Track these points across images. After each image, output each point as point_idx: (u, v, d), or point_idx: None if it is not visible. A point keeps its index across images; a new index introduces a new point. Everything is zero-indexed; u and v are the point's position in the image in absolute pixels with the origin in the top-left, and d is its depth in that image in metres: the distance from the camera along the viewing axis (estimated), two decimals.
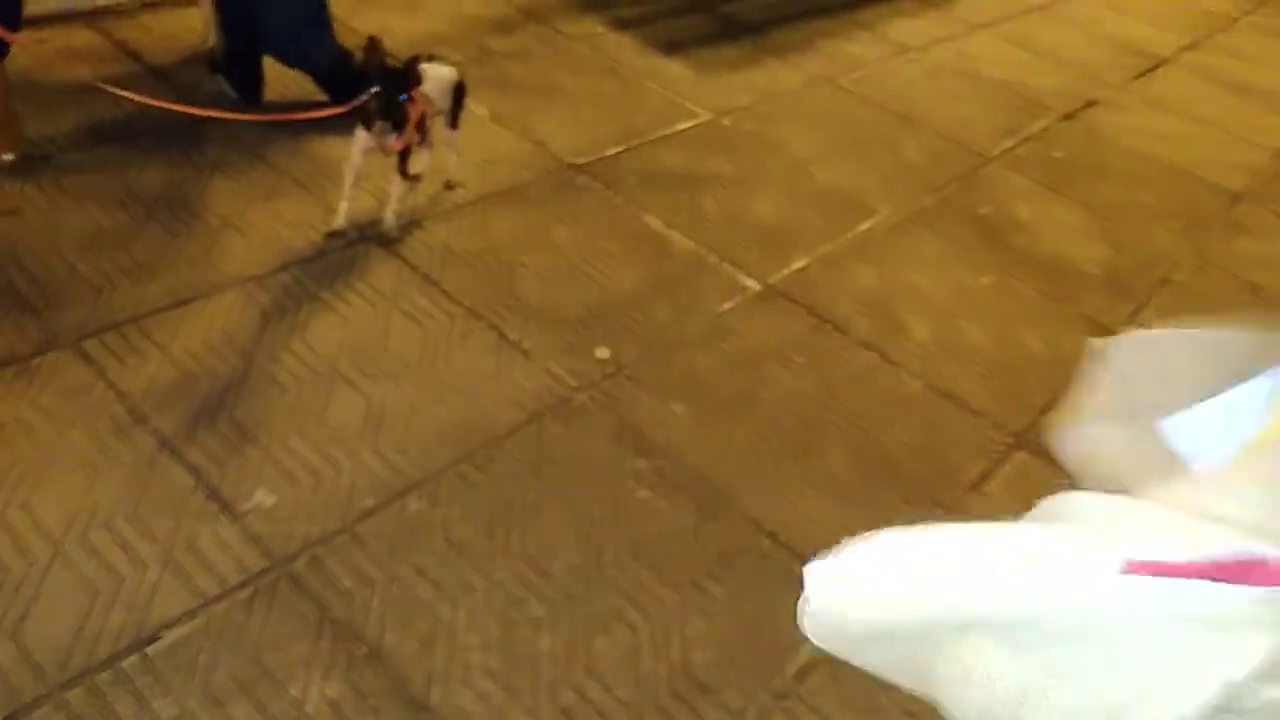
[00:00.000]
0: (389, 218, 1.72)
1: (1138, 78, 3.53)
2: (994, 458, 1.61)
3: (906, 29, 3.36)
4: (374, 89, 1.58)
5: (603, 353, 1.62)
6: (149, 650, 1.07)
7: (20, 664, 1.03)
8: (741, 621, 1.25)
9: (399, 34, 2.43)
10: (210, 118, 1.84)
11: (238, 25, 1.90)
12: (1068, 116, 3.01)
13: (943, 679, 0.63)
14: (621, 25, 2.79)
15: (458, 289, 1.68)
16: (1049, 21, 3.89)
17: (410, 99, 1.61)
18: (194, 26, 2.18)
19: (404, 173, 1.70)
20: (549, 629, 1.19)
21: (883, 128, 2.62)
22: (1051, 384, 1.81)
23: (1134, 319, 2.08)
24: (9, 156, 1.68)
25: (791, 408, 1.61)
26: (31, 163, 1.70)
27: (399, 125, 1.62)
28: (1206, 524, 0.55)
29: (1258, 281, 2.32)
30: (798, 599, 1.29)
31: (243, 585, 1.15)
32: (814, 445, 1.55)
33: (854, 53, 3.05)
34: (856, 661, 0.69)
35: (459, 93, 1.77)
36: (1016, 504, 1.50)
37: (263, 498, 1.25)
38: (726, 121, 2.43)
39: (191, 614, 1.11)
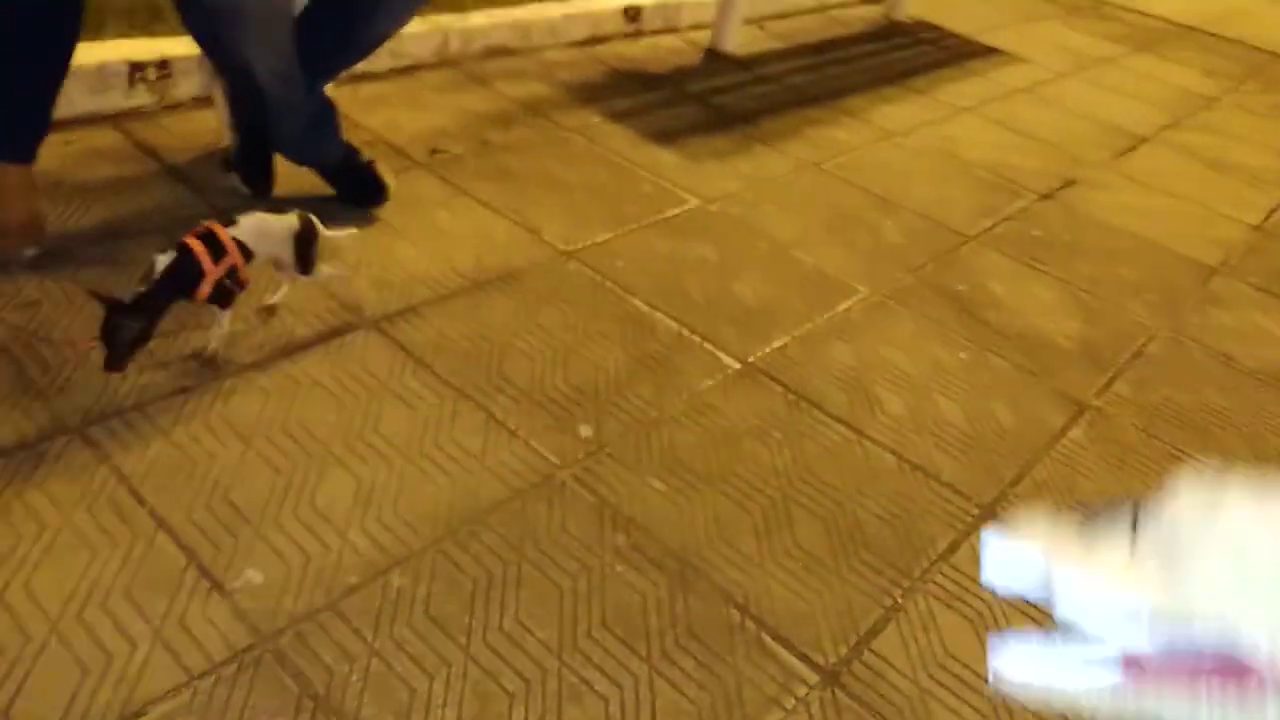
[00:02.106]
0: (213, 343, 1.64)
1: (1118, 156, 3.60)
2: (962, 529, 1.62)
3: (891, 114, 3.45)
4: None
5: (586, 431, 1.66)
6: None
7: None
8: (709, 691, 1.26)
9: (406, 129, 2.53)
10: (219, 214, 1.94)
11: (251, 127, 1.98)
12: (1046, 195, 3.06)
13: None
14: (617, 117, 2.89)
15: (449, 371, 1.72)
16: (1032, 103, 3.98)
17: (212, 261, 1.54)
18: (210, 127, 2.28)
19: (221, 305, 1.61)
20: (522, 701, 1.20)
21: (864, 210, 2.68)
22: (1021, 456, 1.83)
23: (1107, 390, 2.09)
24: (31, 251, 1.76)
25: (765, 482, 1.63)
26: (51, 258, 1.78)
27: (222, 302, 1.59)
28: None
29: (1230, 352, 2.34)
30: (762, 670, 1.30)
31: (229, 661, 1.18)
32: (786, 519, 1.57)
33: (839, 138, 3.13)
34: None
35: (302, 240, 1.68)
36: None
37: (252, 576, 1.28)
38: (714, 207, 2.50)
39: (178, 690, 1.14)
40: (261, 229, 1.64)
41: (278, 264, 1.71)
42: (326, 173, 2.09)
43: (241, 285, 1.62)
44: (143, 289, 1.49)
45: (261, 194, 2.06)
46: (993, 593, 0.38)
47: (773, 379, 1.89)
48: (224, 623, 1.22)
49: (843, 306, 2.19)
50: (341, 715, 1.14)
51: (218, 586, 1.26)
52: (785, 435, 1.75)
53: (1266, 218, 3.25)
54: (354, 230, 1.85)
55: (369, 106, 2.58)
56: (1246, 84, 5.01)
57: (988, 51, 4.55)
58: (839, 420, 1.81)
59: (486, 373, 1.74)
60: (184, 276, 1.53)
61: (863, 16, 4.60)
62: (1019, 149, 3.40)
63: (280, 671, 1.18)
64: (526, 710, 1.19)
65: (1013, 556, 0.43)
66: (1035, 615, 1.49)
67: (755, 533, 1.53)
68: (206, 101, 2.37)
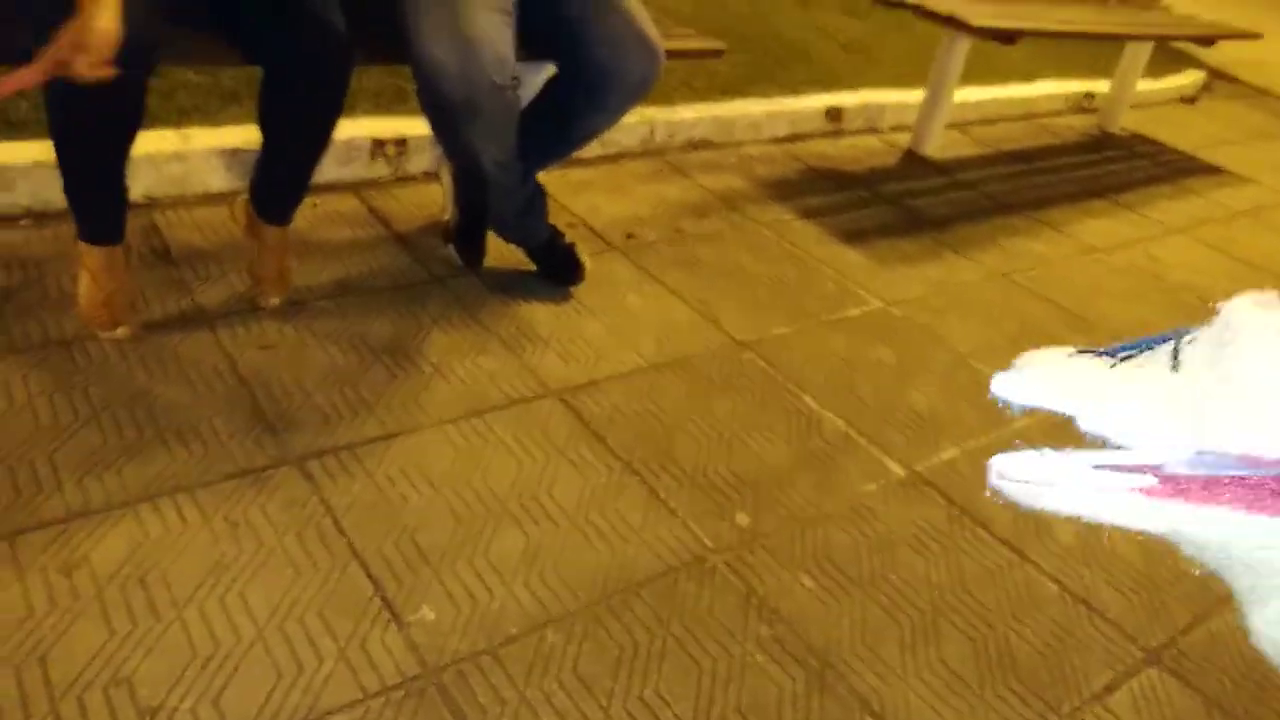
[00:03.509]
0: None
1: None
2: (1122, 671, 1.58)
3: (1095, 229, 3.39)
4: None
5: (743, 520, 1.74)
6: None
7: None
8: None
9: (606, 214, 2.74)
10: (435, 280, 2.17)
11: (471, 206, 2.22)
12: None
13: None
14: (808, 214, 3.00)
15: (620, 446, 1.85)
16: (1255, 227, 3.80)
17: None
18: (435, 200, 2.56)
19: None
20: None
21: (1053, 325, 2.65)
22: (1199, 603, 1.76)
23: None
24: (276, 301, 2.03)
25: (917, 594, 1.65)
26: (291, 307, 2.05)
27: None
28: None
29: None
30: None
31: (398, 686, 1.32)
32: (934, 633, 1.58)
33: (1035, 250, 3.11)
34: None
35: None
36: None
37: (426, 612, 1.44)
38: (896, 310, 2.55)
39: (352, 706, 1.29)
40: None
41: None
42: (532, 251, 2.30)
43: None
44: None
45: (473, 266, 2.30)
46: (1004, 404, 0.38)
47: (937, 490, 1.91)
48: (398, 651, 1.37)
49: (1020, 424, 2.17)
50: None
51: (396, 618, 1.42)
52: (944, 549, 1.76)
53: None
54: None
55: (576, 190, 2.81)
56: None
57: (1209, 170, 4.38)
58: (1002, 541, 1.81)
59: (654, 451, 1.86)
60: None
61: (1074, 126, 4.54)
62: (1233, 275, 3.26)
63: (440, 704, 1.31)
64: None
65: (1035, 375, 0.38)
66: None
67: (900, 643, 1.55)
68: (434, 177, 2.66)
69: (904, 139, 3.81)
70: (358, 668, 1.34)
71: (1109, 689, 1.55)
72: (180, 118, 2.53)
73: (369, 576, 1.48)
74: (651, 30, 2.06)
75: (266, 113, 1.87)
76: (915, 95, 3.81)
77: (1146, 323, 2.77)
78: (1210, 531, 0.38)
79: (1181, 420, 0.36)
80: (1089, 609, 1.69)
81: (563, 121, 2.15)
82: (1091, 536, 1.87)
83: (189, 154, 2.40)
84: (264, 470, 1.64)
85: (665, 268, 2.52)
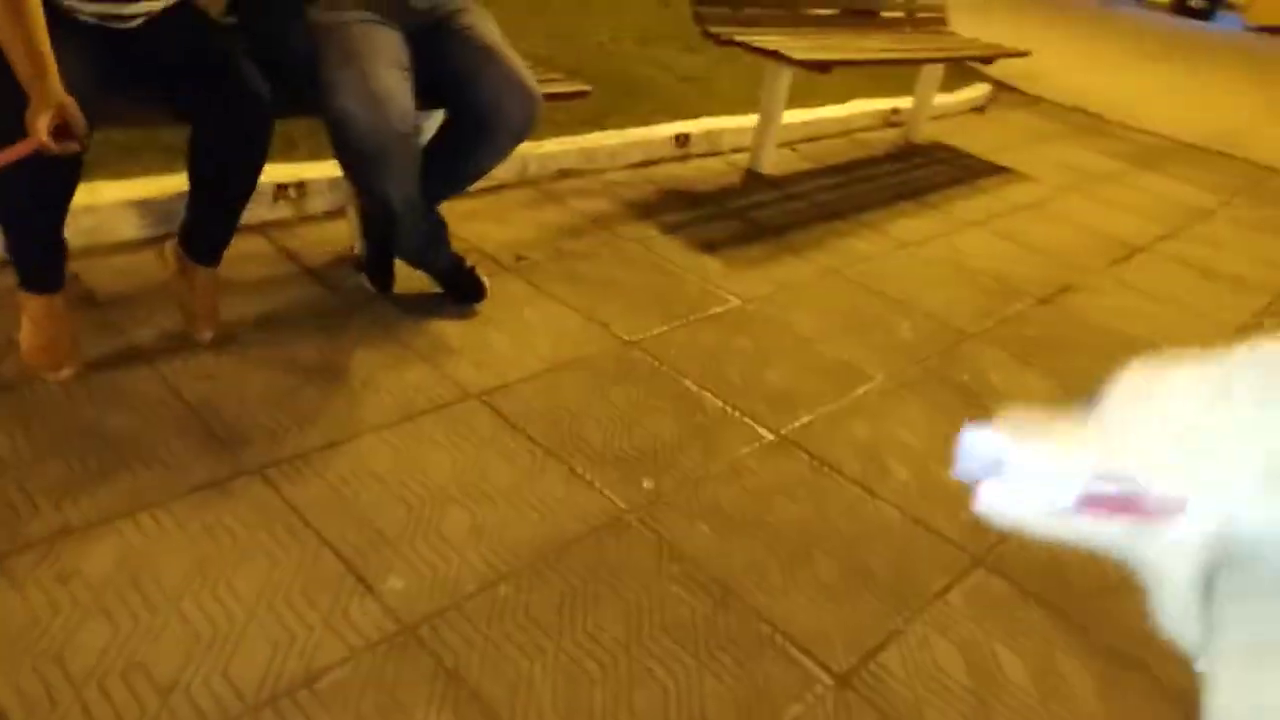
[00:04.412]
0: None
1: (1113, 265, 3.94)
2: (956, 574, 1.92)
3: (906, 227, 3.83)
4: None
5: (648, 484, 2.00)
6: (315, 686, 1.43)
7: (228, 692, 1.40)
8: (745, 682, 1.57)
9: (495, 239, 2.95)
10: (351, 307, 2.33)
11: (380, 239, 2.41)
12: (1044, 300, 3.40)
13: None
14: (669, 229, 3.30)
15: (538, 434, 2.08)
16: (1036, 218, 4.35)
17: None
18: (337, 236, 2.71)
19: None
20: (600, 683, 1.52)
21: (880, 310, 3.03)
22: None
23: None
24: (209, 335, 2.16)
25: (792, 530, 1.95)
26: (225, 340, 2.18)
27: None
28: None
29: None
30: (787, 671, 1.60)
31: (381, 642, 1.51)
32: (808, 558, 1.88)
33: (860, 248, 3.51)
34: None
35: None
36: (973, 610, 1.80)
37: (395, 582, 1.63)
38: (751, 307, 2.88)
39: (344, 662, 1.47)
40: None
41: None
42: (437, 275, 2.50)
43: None
44: None
45: (384, 291, 2.47)
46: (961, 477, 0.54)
47: (800, 448, 2.22)
48: (376, 615, 1.56)
49: (860, 391, 2.53)
50: (466, 685, 1.47)
51: (370, 589, 1.61)
52: (809, 493, 2.08)
53: (1249, 320, 3.54)
54: None
55: (463, 220, 3.01)
56: (1240, 198, 5.36)
57: (997, 170, 4.96)
58: (855, 482, 2.14)
59: (568, 436, 2.10)
60: None
61: (884, 139, 5.04)
62: (1021, 259, 3.76)
63: (420, 652, 1.51)
64: (604, 690, 1.51)
65: (981, 443, 0.51)
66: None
67: (782, 568, 1.85)
68: (334, 214, 2.81)
69: (743, 159, 4.18)
70: (343, 631, 1.52)
71: (947, 588, 1.89)
72: (85, 173, 2.59)
73: (339, 558, 1.66)
74: (530, 79, 2.31)
75: (196, 164, 2.01)
76: (749, 120, 4.19)
77: (955, 302, 3.20)
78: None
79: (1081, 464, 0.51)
80: (926, 529, 2.04)
81: (457, 161, 2.36)
82: (922, 472, 2.22)
83: (99, 206, 2.48)
84: (227, 481, 1.79)
85: (552, 283, 2.76)
